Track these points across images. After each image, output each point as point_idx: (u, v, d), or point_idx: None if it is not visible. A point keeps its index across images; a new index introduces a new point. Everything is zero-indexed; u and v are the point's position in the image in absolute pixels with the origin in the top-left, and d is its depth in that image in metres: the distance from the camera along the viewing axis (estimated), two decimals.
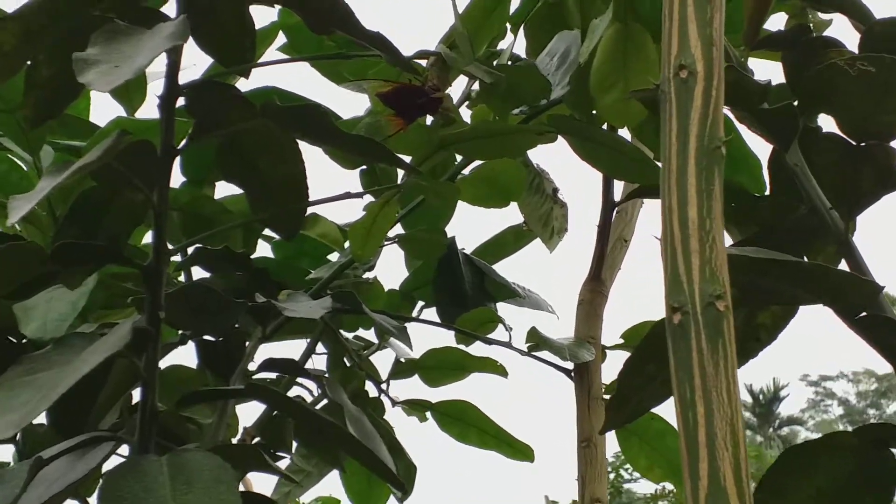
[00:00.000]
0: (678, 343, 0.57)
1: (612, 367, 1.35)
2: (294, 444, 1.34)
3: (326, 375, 1.13)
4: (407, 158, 1.33)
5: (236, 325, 1.10)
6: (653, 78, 1.05)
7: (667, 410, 1.13)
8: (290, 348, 1.51)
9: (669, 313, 0.58)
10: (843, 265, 0.81)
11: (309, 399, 1.43)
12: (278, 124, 0.85)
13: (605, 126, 1.19)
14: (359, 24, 0.84)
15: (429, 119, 1.07)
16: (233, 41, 0.95)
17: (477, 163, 1.21)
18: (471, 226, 1.57)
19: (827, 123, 0.89)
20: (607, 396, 1.28)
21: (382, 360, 1.55)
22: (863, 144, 0.80)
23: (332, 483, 1.59)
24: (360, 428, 1.10)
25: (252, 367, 1.16)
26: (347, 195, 1.03)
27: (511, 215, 1.44)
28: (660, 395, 0.83)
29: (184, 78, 0.89)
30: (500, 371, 1.46)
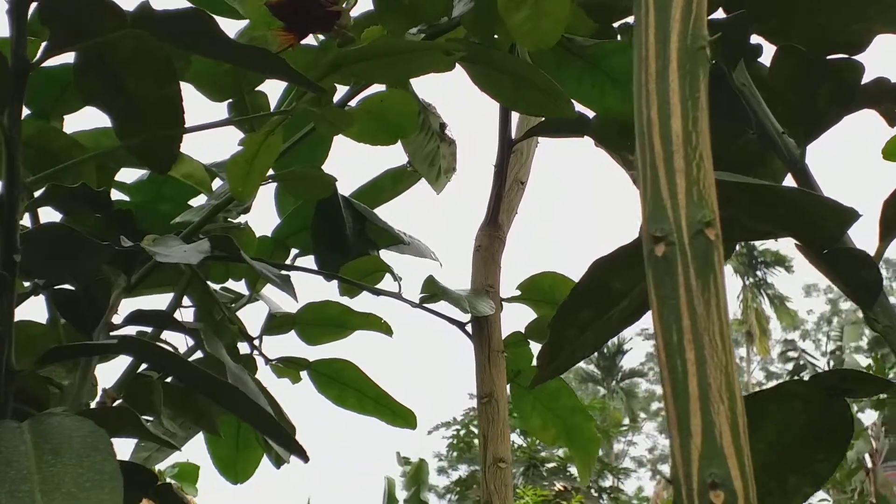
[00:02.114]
0: (662, 279, 0.49)
1: (510, 317, 1.27)
2: None
3: (203, 329, 1.01)
4: None
5: (98, 274, 0.97)
6: None
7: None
8: (151, 302, 1.38)
9: (650, 244, 0.49)
10: None
11: None
12: (155, 35, 0.72)
13: None
14: None
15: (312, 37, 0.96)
16: None
17: (363, 95, 1.11)
18: (341, 166, 1.46)
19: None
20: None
21: (253, 315, 1.44)
22: (826, 58, 0.73)
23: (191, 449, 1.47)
24: (243, 386, 0.99)
25: (116, 320, 1.04)
26: (229, 121, 0.91)
27: (387, 155, 1.33)
28: (593, 343, 0.75)
29: None
30: (385, 329, 1.36)
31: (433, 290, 1.23)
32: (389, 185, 1.49)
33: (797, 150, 0.74)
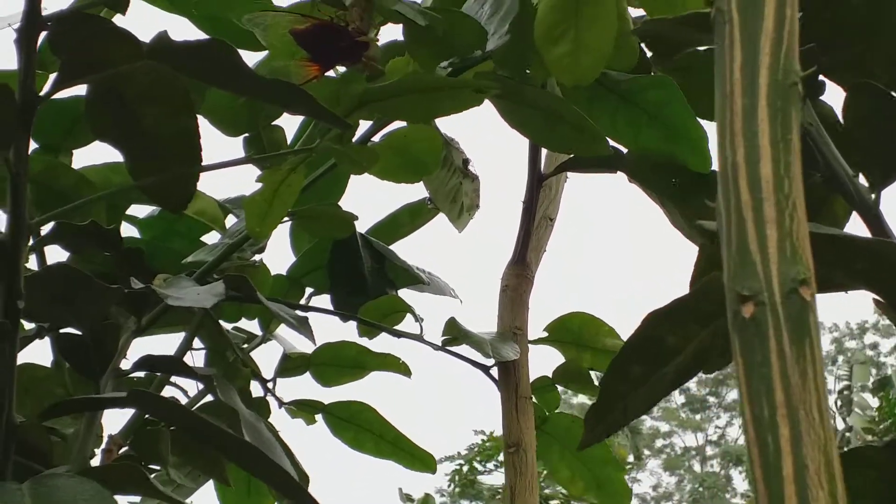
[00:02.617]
0: (750, 344, 0.43)
1: (539, 360, 1.21)
2: None
3: (216, 376, 0.95)
4: None
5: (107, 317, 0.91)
6: (605, 28, 0.92)
7: None
8: (160, 340, 1.33)
9: (736, 304, 0.44)
10: None
11: (184, 400, 1.25)
12: (173, 67, 0.67)
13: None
14: None
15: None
16: None
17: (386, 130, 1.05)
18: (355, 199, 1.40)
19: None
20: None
21: (266, 356, 1.38)
22: None
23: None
24: (258, 436, 0.93)
25: (124, 364, 0.98)
26: (248, 159, 0.85)
27: (399, 188, 1.28)
28: (645, 402, 0.69)
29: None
30: (403, 370, 1.30)
31: (455, 333, 1.17)
32: (407, 220, 1.44)
33: (870, 194, 0.68)
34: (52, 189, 1.08)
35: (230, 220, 1.30)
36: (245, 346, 1.34)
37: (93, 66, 0.68)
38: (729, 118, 0.45)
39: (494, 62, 0.96)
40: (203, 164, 0.77)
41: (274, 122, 1.16)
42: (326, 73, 0.82)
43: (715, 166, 1.11)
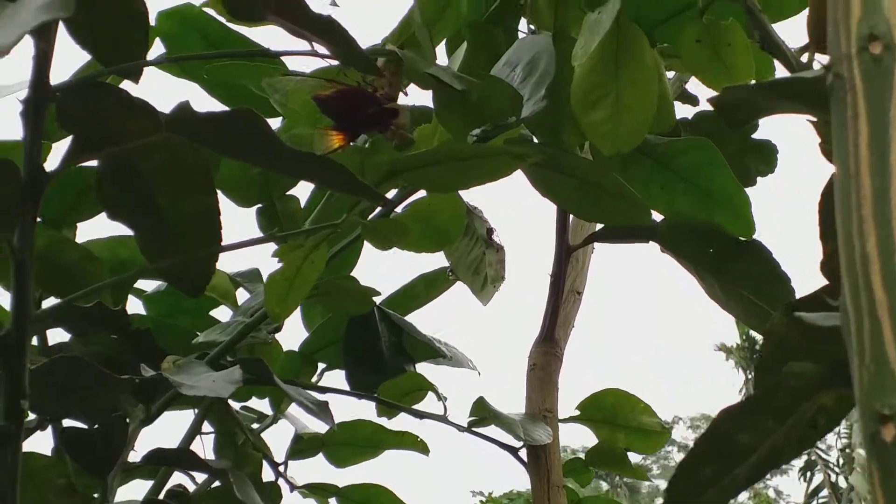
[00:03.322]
0: (892, 471, 0.36)
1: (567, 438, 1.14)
2: None
3: (231, 470, 0.88)
4: None
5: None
6: (647, 91, 0.86)
7: None
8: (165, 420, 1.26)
9: (874, 424, 0.37)
10: None
11: (191, 486, 1.17)
12: (197, 139, 0.61)
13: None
14: (305, 5, 0.62)
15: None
16: (118, 32, 0.71)
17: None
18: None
19: None
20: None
21: (276, 435, 1.31)
22: None
23: None
24: None
25: (132, 456, 0.91)
26: (271, 237, 0.79)
27: (414, 259, 1.22)
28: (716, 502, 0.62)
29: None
30: (421, 447, 1.23)
31: (483, 414, 1.10)
32: (423, 291, 1.38)
33: None
34: (56, 265, 1.02)
35: (240, 294, 1.24)
36: (255, 425, 1.28)
37: (106, 141, 0.62)
38: (855, 201, 0.39)
39: (528, 128, 0.90)
40: (223, 244, 0.71)
41: (289, 192, 1.10)
42: (352, 142, 0.76)
43: (758, 233, 1.06)
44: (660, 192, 1.04)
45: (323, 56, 0.71)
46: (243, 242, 0.75)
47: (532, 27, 1.14)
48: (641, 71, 0.82)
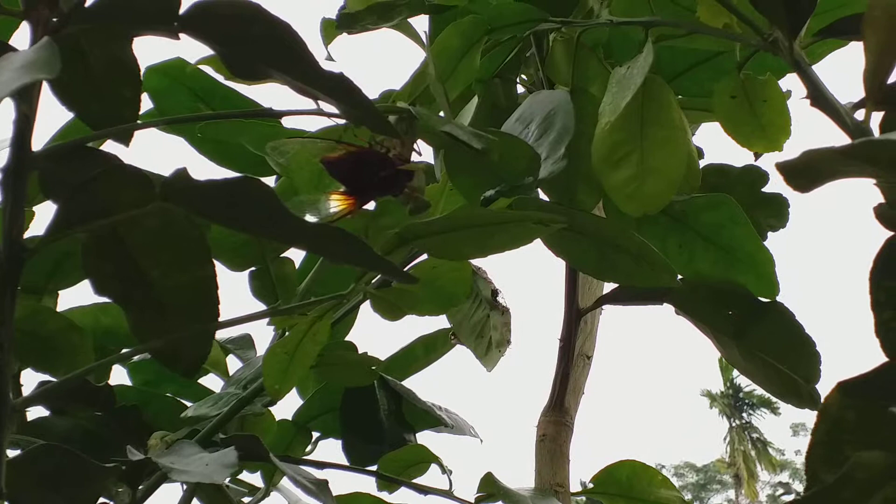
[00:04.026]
0: None
1: None
2: None
3: None
4: None
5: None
6: (674, 149, 0.81)
7: None
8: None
9: None
10: None
11: None
12: (196, 210, 0.55)
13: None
14: (313, 61, 0.56)
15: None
16: (107, 91, 0.65)
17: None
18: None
19: None
20: None
21: None
22: None
23: None
24: None
25: None
26: (274, 311, 0.73)
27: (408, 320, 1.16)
28: None
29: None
30: None
31: (492, 489, 1.04)
32: (422, 354, 1.32)
33: None
34: (37, 336, 0.95)
35: (231, 362, 1.18)
36: (246, 500, 1.21)
37: (95, 213, 0.56)
38: None
39: (542, 188, 0.85)
40: (221, 320, 0.65)
41: (283, 255, 1.05)
42: (362, 207, 0.71)
43: (782, 295, 1.01)
44: (677, 251, 0.99)
45: (329, 115, 0.66)
46: (243, 318, 0.69)
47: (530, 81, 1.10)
48: (669, 128, 0.77)
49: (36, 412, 1.00)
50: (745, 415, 26.31)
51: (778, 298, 1.00)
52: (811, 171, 0.46)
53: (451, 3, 0.93)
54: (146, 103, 1.08)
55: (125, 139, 0.65)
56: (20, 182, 0.56)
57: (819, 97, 0.61)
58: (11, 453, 0.66)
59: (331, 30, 1.15)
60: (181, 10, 0.56)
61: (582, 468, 1.31)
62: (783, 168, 0.47)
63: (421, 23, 1.13)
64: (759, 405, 26.01)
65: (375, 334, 1.24)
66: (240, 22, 0.55)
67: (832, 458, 0.64)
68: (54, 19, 0.58)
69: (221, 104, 1.04)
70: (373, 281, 0.88)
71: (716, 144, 1.10)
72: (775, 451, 26.81)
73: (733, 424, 26.20)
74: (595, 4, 0.93)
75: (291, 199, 0.72)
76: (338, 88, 0.57)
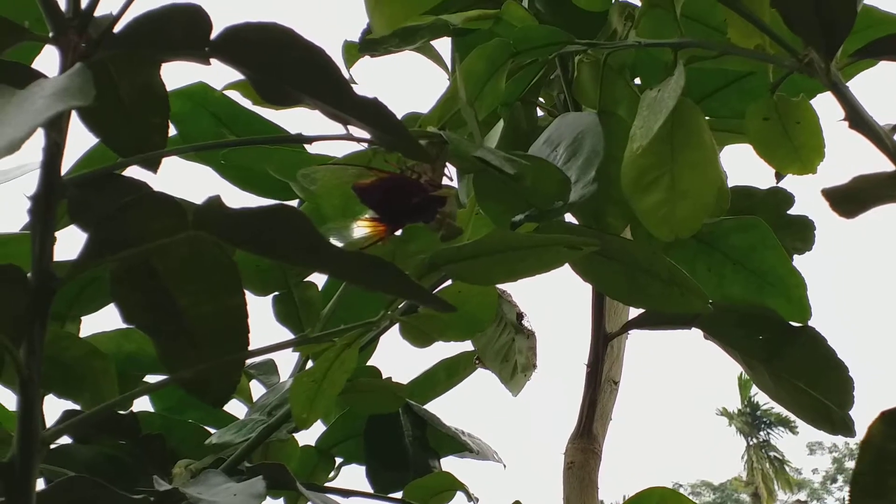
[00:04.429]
0: None
1: None
2: None
3: None
4: None
5: None
6: (705, 172, 0.80)
7: None
8: None
9: None
10: None
11: None
12: (226, 238, 0.54)
13: None
14: (347, 87, 0.55)
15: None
16: (136, 118, 0.65)
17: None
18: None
19: None
20: None
21: None
22: None
23: None
24: None
25: None
26: (304, 339, 0.72)
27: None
28: None
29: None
30: None
31: None
32: (444, 377, 1.31)
33: None
34: (59, 362, 0.94)
35: (255, 387, 1.17)
36: None
37: (127, 241, 0.55)
38: None
39: (572, 212, 0.84)
40: (250, 348, 0.64)
41: (306, 279, 1.04)
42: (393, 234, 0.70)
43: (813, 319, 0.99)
44: (706, 275, 0.97)
45: (360, 139, 0.65)
46: (273, 346, 0.68)
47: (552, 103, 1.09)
48: (700, 151, 0.75)
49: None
50: (762, 433, 26.21)
51: (809, 323, 0.99)
52: (859, 196, 0.45)
53: (474, 26, 0.93)
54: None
55: (153, 166, 0.65)
56: (50, 210, 0.55)
57: (857, 119, 0.60)
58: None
59: (353, 53, 1.14)
60: (212, 35, 0.55)
61: (602, 488, 1.30)
62: (829, 194, 0.46)
63: (443, 45, 1.13)
64: (777, 423, 25.90)
65: (389, 358, 1.23)
66: (273, 47, 0.54)
67: (876, 489, 0.62)
68: (83, 45, 0.57)
69: (244, 129, 1.03)
70: (399, 307, 0.88)
71: (733, 165, 1.09)
72: (792, 470, 26.70)
73: (751, 443, 26.08)
74: (619, 25, 0.92)
75: (320, 226, 0.71)
76: (371, 113, 0.56)
